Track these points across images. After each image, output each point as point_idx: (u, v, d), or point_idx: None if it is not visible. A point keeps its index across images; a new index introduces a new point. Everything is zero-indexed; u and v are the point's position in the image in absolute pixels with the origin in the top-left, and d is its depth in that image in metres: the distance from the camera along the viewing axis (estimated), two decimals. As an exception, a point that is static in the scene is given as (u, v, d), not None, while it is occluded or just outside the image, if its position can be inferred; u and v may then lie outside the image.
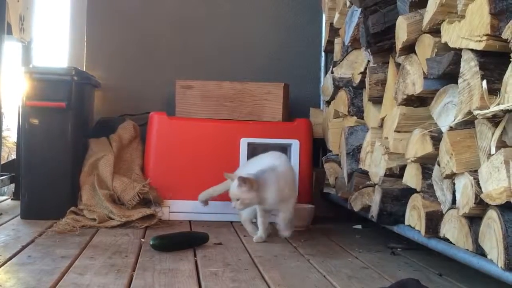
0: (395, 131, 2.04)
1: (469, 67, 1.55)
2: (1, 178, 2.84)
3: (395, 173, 2.11)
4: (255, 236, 2.33)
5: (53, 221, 2.45)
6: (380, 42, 2.11)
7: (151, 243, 2.08)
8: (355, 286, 1.71)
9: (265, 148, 2.81)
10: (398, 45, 1.99)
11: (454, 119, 1.65)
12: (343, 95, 2.68)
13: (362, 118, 2.52)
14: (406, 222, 2.02)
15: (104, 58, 3.25)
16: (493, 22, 1.44)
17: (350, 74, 2.63)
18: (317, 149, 3.11)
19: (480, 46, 1.49)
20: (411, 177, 1.99)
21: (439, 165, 1.76)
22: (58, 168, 2.63)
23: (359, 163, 2.41)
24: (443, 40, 1.69)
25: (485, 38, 1.46)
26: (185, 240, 2.19)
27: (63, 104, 2.58)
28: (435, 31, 1.78)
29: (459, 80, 1.61)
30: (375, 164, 2.23)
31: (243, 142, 2.84)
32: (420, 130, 1.86)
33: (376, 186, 2.17)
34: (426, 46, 1.83)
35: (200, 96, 2.95)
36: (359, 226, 2.76)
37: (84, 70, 3.12)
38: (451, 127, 1.68)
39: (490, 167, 1.47)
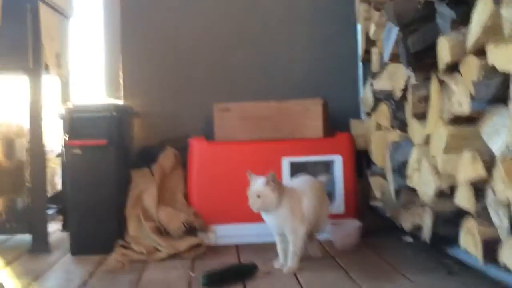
0: (443, 152, 1.96)
1: (520, 92, 1.48)
2: (50, 212, 2.88)
3: (446, 193, 2.04)
4: (276, 263, 2.30)
5: (102, 256, 2.47)
6: (421, 61, 2.04)
7: (202, 283, 2.07)
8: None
9: (307, 166, 2.79)
10: (441, 65, 1.91)
11: (506, 146, 1.57)
12: (384, 109, 2.61)
13: (405, 131, 2.45)
14: (461, 246, 1.95)
15: (140, 86, 3.27)
16: (544, 47, 1.37)
17: (390, 87, 2.56)
18: (360, 160, 3.05)
19: (530, 71, 1.42)
20: (464, 199, 1.91)
21: (493, 190, 1.68)
22: (104, 202, 2.64)
23: (406, 179, 2.35)
24: (489, 62, 1.62)
25: (535, 63, 1.39)
26: (234, 274, 2.17)
27: (104, 141, 2.59)
28: (479, 51, 1.70)
29: (510, 105, 1.53)
30: (424, 183, 2.16)
31: (285, 161, 2.81)
32: (471, 153, 1.79)
33: (427, 208, 2.10)
34: (471, 67, 1.75)
35: (238, 118, 2.92)
36: (410, 239, 2.69)
37: (121, 100, 3.14)
38: (504, 153, 1.60)
39: (551, 198, 1.39)
